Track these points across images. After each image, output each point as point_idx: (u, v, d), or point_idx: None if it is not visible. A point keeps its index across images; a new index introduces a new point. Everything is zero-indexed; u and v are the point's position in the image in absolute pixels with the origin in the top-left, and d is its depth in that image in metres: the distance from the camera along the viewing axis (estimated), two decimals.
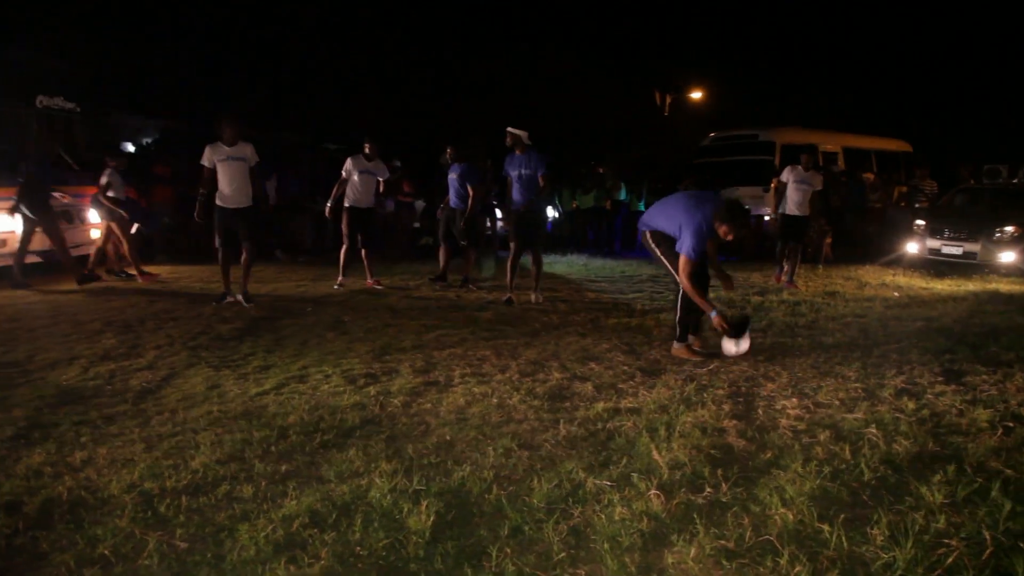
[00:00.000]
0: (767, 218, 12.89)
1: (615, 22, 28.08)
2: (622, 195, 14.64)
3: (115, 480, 3.19)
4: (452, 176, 8.85)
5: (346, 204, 8.69)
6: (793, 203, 9.33)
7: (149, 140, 26.71)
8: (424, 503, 2.93)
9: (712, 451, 3.53)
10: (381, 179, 8.81)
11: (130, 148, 25.97)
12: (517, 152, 7.74)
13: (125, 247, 9.53)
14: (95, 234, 9.95)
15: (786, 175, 9.44)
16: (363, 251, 8.88)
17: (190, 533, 2.75)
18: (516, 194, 7.79)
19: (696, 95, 23.66)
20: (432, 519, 2.82)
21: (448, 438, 3.76)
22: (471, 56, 25.85)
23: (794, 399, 4.44)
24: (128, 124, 27.41)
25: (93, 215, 9.81)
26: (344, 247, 8.82)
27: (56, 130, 9.98)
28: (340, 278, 8.87)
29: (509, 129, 7.73)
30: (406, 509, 2.91)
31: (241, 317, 6.99)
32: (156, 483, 3.16)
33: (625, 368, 5.18)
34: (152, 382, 4.82)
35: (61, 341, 5.98)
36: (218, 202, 7.39)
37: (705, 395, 4.50)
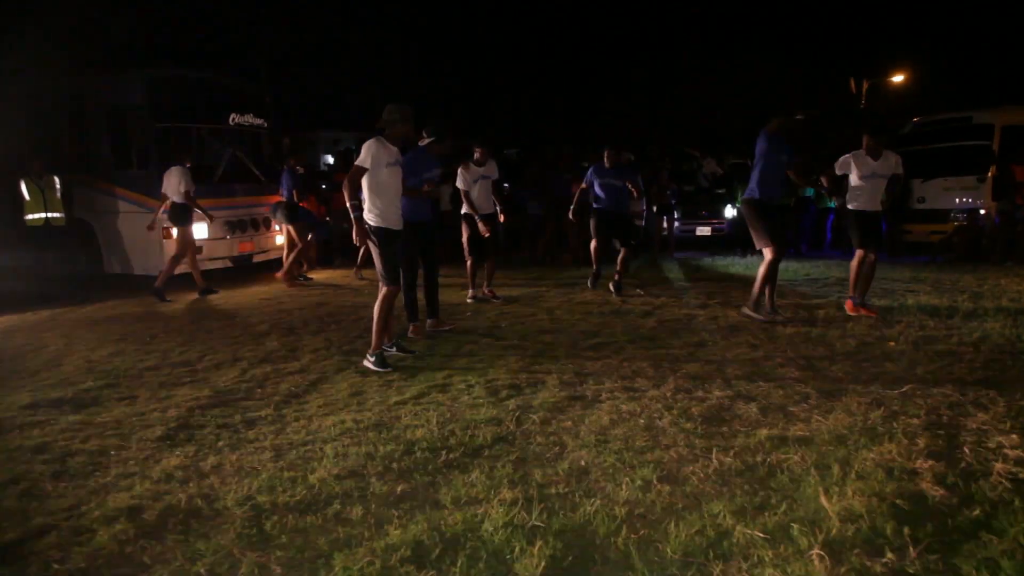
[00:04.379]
0: (982, 212, 11.32)
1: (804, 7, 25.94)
2: (808, 191, 13.40)
3: (234, 490, 3.12)
4: (607, 181, 8.34)
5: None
6: None
7: (344, 148, 28.68)
8: (539, 544, 2.57)
9: (898, 501, 2.84)
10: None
11: (329, 160, 27.98)
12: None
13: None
14: (279, 240, 10.61)
15: None
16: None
17: (288, 557, 2.57)
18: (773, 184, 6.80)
19: (898, 78, 21.33)
20: (544, 564, 2.45)
21: (583, 463, 3.37)
22: (639, 50, 25.06)
23: (1014, 435, 3.58)
24: (324, 138, 29.55)
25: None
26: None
27: (246, 144, 10.67)
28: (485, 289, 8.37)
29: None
30: (518, 548, 2.56)
31: (400, 321, 6.80)
32: (270, 497, 3.05)
33: (799, 387, 4.51)
34: (300, 386, 4.84)
35: (231, 342, 6.25)
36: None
37: (895, 424, 3.75)
